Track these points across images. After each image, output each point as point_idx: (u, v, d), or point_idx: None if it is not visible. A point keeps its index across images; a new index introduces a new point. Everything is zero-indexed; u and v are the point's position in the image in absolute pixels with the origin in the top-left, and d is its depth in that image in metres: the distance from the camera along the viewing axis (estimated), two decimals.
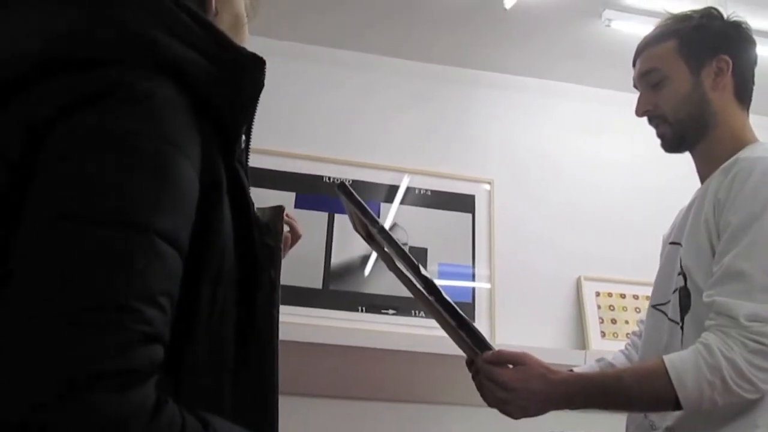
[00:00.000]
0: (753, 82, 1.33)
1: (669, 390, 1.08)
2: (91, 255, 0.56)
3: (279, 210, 0.91)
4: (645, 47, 1.36)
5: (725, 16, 1.32)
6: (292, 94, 2.58)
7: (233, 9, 0.85)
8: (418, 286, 1.16)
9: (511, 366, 1.16)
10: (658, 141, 1.37)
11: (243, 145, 0.80)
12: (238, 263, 0.74)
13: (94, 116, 0.61)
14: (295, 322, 2.15)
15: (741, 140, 1.28)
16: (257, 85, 0.75)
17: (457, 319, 1.15)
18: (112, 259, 0.57)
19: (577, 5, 2.35)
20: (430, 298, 1.15)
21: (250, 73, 0.74)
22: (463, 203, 2.56)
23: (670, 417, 1.20)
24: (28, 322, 0.54)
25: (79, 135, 0.61)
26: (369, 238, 1.34)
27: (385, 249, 1.21)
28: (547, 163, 2.71)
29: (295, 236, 1.59)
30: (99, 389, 0.53)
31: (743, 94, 1.32)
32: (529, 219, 2.59)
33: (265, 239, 0.81)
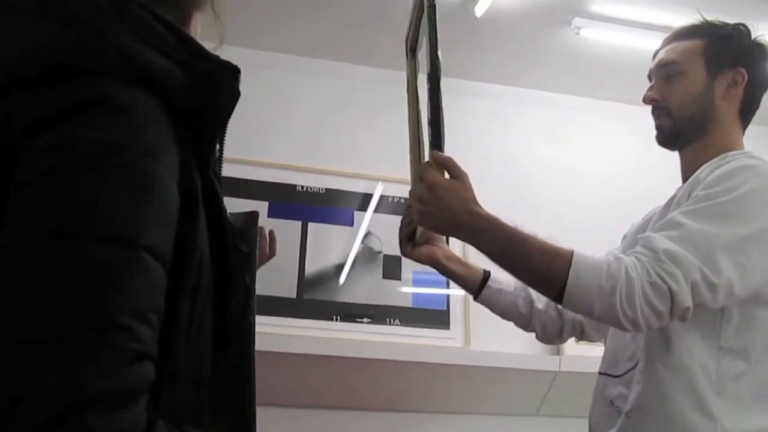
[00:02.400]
0: (758, 105, 1.37)
1: (562, 274, 1.09)
2: (81, 273, 0.55)
3: (253, 215, 0.91)
4: (672, 40, 1.39)
5: (753, 35, 1.35)
6: (264, 103, 2.57)
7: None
8: (425, 72, 1.18)
9: (447, 176, 1.17)
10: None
11: (217, 155, 0.79)
12: (214, 271, 0.73)
13: (77, 129, 0.60)
14: (270, 332, 2.13)
15: (731, 150, 1.29)
16: (233, 95, 0.74)
17: (434, 113, 1.17)
18: (103, 277, 0.56)
19: (546, 14, 2.38)
20: (426, 85, 1.17)
21: (225, 83, 0.73)
22: None
23: (629, 401, 1.21)
24: (22, 345, 0.53)
25: (63, 149, 0.59)
26: (411, 51, 1.42)
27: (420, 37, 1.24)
28: (518, 169, 2.73)
29: (271, 253, 1.57)
30: (95, 411, 0.52)
31: (747, 112, 1.35)
32: None
33: (238, 245, 0.80)
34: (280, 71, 2.65)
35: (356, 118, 2.66)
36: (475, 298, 1.47)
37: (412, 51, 1.45)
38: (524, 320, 1.49)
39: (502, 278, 1.45)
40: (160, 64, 0.68)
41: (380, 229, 2.50)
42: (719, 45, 1.33)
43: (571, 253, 1.11)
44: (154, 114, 0.66)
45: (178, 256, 0.65)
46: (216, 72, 0.72)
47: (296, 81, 2.66)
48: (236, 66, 0.74)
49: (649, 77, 1.40)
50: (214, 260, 0.73)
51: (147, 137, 0.63)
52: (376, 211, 2.54)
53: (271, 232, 1.56)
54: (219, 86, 0.72)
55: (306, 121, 2.61)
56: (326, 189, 2.53)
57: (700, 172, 1.23)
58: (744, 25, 1.36)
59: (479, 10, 2.31)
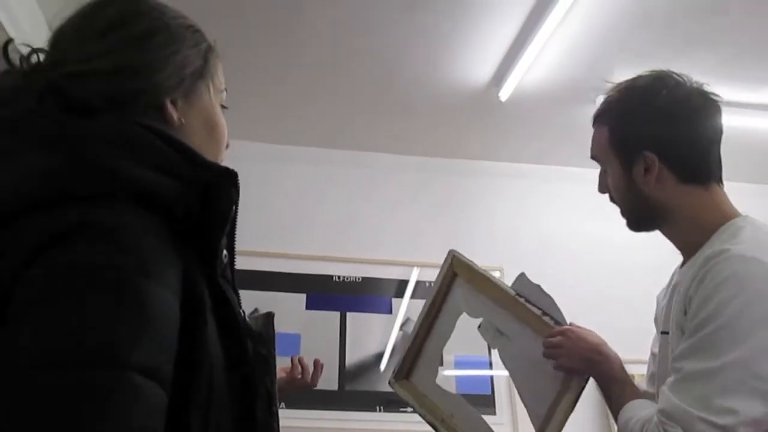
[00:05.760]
0: (710, 155, 1.17)
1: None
2: (63, 401, 0.53)
3: (269, 316, 0.90)
4: (593, 122, 1.29)
5: (666, 90, 1.17)
6: (295, 197, 2.62)
7: (200, 111, 0.84)
8: (517, 295, 1.37)
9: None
10: None
11: (225, 260, 0.77)
12: (231, 380, 0.72)
13: (63, 255, 0.60)
14: (314, 426, 2.10)
15: (708, 222, 1.15)
16: (230, 200, 0.74)
17: (541, 309, 1.35)
18: (87, 403, 0.54)
19: (570, 93, 2.42)
20: (520, 299, 1.35)
21: (221, 189, 0.73)
22: None
23: None
24: None
25: (49, 276, 0.59)
26: (406, 377, 1.55)
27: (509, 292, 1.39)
28: (555, 245, 2.72)
29: (312, 382, 1.54)
30: None
31: (694, 175, 1.16)
32: None
33: (258, 349, 0.79)
34: (310, 164, 2.71)
35: (387, 206, 2.69)
36: None
37: (406, 377, 1.55)
38: None
39: None
40: (154, 180, 0.68)
41: (418, 315, 2.48)
42: (621, 131, 1.20)
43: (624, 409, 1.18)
44: (148, 231, 0.65)
45: (185, 368, 0.64)
46: (210, 179, 0.72)
47: (324, 173, 2.71)
48: (233, 171, 0.74)
49: None
50: (232, 368, 0.72)
51: (137, 256, 0.62)
52: (413, 296, 2.53)
53: (316, 362, 1.54)
54: (214, 193, 0.72)
55: (338, 211, 2.65)
56: (362, 278, 2.54)
57: (690, 283, 1.10)
58: (659, 79, 1.18)
59: (504, 95, 2.36)
